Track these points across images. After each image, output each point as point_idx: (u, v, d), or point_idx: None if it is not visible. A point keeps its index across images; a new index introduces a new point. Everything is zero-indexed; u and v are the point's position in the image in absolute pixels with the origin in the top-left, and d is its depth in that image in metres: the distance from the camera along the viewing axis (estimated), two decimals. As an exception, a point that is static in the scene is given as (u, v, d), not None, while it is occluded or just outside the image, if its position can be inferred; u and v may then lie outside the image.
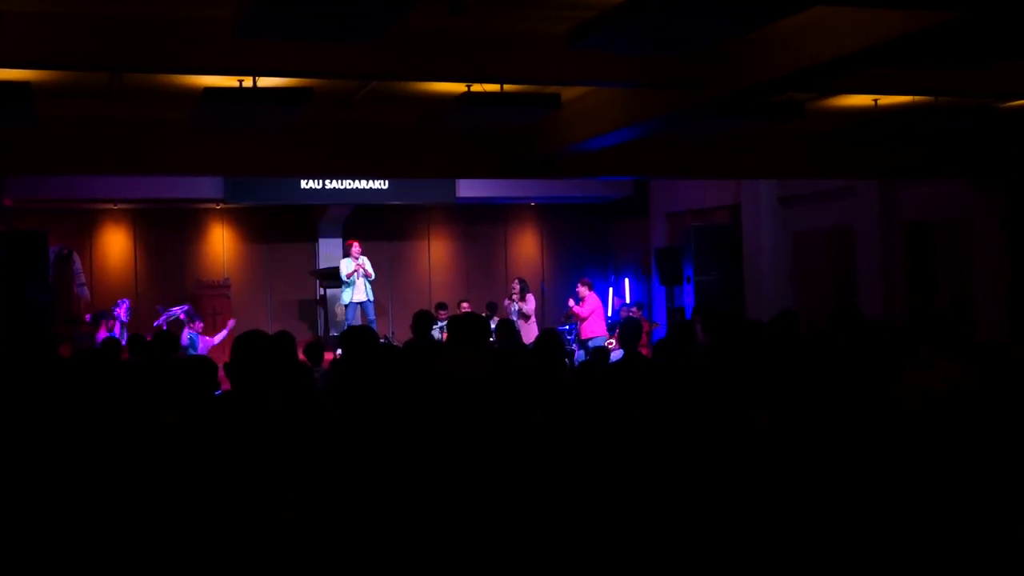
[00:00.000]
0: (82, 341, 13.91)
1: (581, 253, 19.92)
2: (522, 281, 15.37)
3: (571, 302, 14.52)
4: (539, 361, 6.63)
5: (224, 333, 14.49)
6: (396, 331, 16.76)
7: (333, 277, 16.67)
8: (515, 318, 14.51)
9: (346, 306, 15.57)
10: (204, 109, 8.44)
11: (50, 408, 4.74)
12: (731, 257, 15.93)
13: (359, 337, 6.30)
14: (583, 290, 14.48)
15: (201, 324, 14.11)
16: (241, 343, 4.76)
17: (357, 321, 15.15)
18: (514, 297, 15.00)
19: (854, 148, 12.25)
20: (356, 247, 15.70)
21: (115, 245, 17.75)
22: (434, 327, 12.50)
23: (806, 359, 5.34)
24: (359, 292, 15.51)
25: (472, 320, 7.18)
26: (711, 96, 8.13)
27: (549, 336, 8.27)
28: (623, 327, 8.54)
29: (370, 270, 15.74)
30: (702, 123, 9.55)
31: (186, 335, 13.63)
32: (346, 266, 15.68)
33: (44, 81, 8.72)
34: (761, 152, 12.35)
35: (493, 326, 14.07)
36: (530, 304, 15.05)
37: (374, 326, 14.76)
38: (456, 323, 7.10)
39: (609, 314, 18.04)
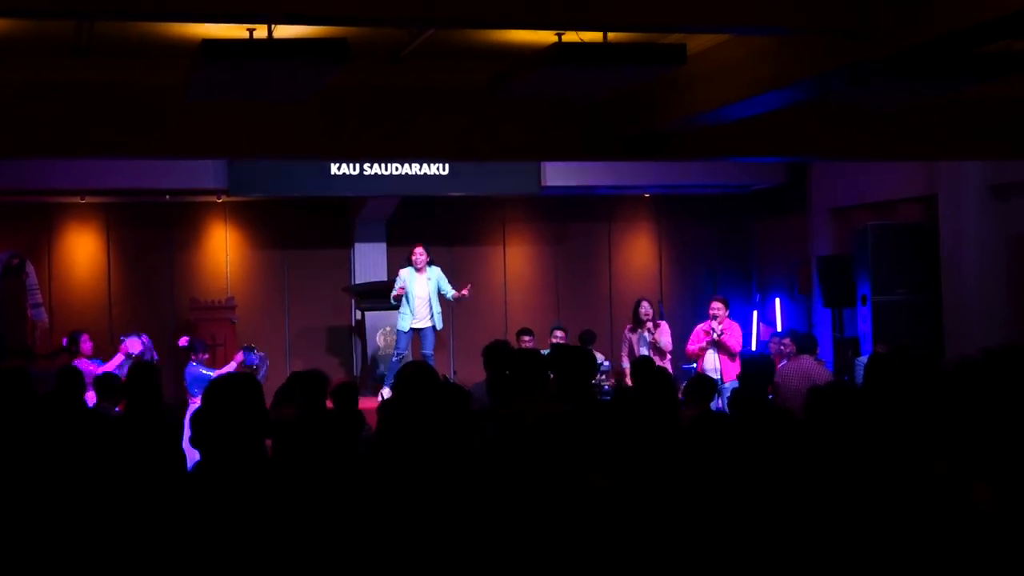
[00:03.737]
0: (40, 380, 14.13)
1: (713, 263, 19.83)
2: (652, 303, 15.30)
3: (710, 326, 14.25)
4: (634, 405, 6.63)
5: (232, 367, 14.45)
6: (460, 368, 16.84)
7: (375, 295, 16.75)
8: (645, 352, 14.43)
9: (402, 332, 15.33)
10: (203, 70, 8.58)
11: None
12: (924, 268, 15.75)
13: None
14: (721, 309, 14.27)
15: (207, 356, 14.26)
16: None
17: (410, 354, 15.13)
18: (647, 324, 14.91)
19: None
20: (416, 254, 15.30)
21: (82, 252, 18.07)
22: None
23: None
24: (420, 317, 15.26)
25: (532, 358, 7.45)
26: (893, 47, 8.08)
27: (644, 367, 8.32)
28: (746, 366, 8.52)
29: (445, 288, 15.34)
30: (880, 85, 9.48)
31: (190, 369, 13.80)
32: (401, 280, 15.33)
33: (-10, 33, 8.95)
34: (964, 124, 12.23)
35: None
36: (666, 334, 14.93)
37: (431, 361, 14.73)
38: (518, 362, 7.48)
39: (753, 347, 17.94)
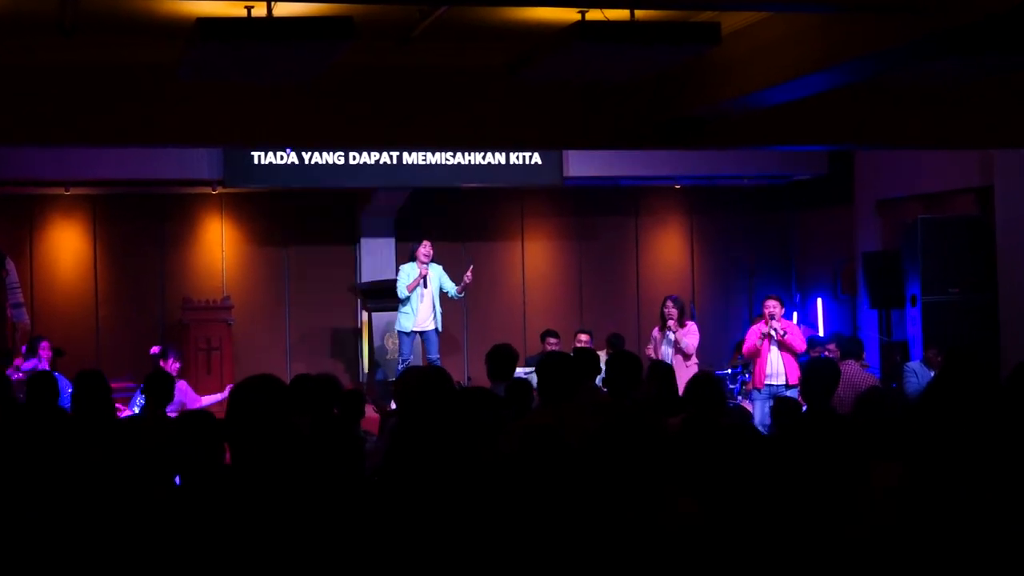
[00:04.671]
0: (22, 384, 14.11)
1: (749, 260, 19.78)
2: (678, 301, 15.21)
3: (763, 327, 14.16)
4: (693, 421, 6.61)
5: (219, 397, 13.96)
6: (474, 374, 16.81)
7: (382, 295, 16.72)
8: (666, 356, 14.38)
9: (405, 334, 15.39)
10: (198, 50, 8.57)
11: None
12: (979, 265, 15.69)
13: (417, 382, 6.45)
14: (777, 307, 14.21)
15: (179, 365, 14.03)
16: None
17: (416, 358, 15.15)
18: (670, 324, 14.87)
19: None
20: (427, 248, 15.37)
21: (67, 248, 18.07)
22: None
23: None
24: (424, 317, 15.30)
25: (558, 361, 7.49)
26: (948, 24, 8.03)
27: (706, 382, 8.28)
28: (809, 371, 8.48)
29: (448, 286, 15.46)
30: (933, 66, 9.44)
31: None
32: (406, 274, 15.48)
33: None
34: (1022, 109, 12.18)
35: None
36: (692, 335, 14.87)
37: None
38: (541, 367, 7.48)
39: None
